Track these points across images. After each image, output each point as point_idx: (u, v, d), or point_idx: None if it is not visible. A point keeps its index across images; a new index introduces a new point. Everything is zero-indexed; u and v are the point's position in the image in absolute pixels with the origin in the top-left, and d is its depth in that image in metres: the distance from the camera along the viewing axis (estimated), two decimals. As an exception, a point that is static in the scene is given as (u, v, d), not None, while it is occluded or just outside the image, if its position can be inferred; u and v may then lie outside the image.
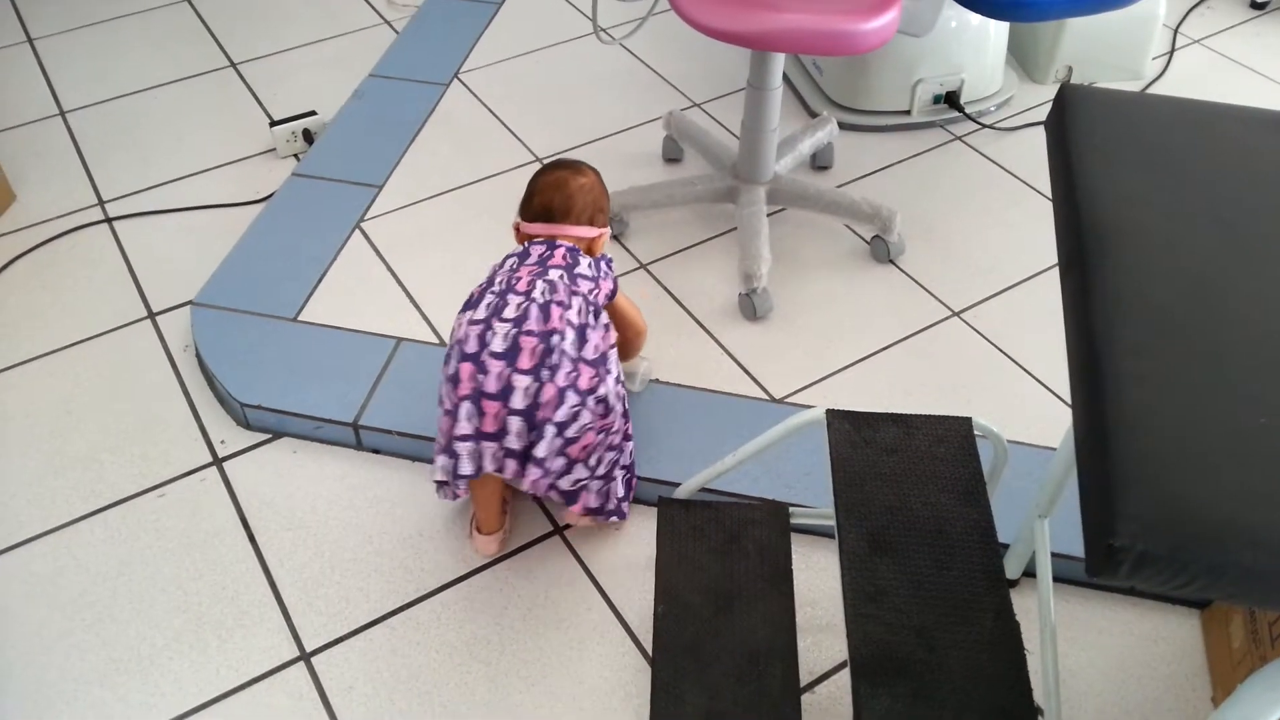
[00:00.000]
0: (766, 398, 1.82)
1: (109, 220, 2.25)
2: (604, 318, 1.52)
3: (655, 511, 1.56)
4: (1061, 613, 1.55)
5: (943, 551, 1.24)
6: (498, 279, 1.52)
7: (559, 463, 1.47)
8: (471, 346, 1.44)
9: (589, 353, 1.46)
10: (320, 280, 2.04)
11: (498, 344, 1.42)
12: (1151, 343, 0.82)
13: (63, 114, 2.55)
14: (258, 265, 2.07)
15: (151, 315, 2.04)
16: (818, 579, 1.60)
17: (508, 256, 1.57)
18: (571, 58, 2.66)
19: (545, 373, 1.41)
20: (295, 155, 2.41)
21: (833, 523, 1.30)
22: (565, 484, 1.50)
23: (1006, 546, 1.57)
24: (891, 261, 2.08)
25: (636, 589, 1.59)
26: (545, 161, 2.30)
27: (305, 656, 1.52)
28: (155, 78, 2.66)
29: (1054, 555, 1.50)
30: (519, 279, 1.49)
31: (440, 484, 1.52)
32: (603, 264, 1.58)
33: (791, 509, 1.54)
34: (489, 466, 1.46)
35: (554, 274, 1.50)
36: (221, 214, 2.26)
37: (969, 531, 1.25)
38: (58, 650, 1.53)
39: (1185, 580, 0.71)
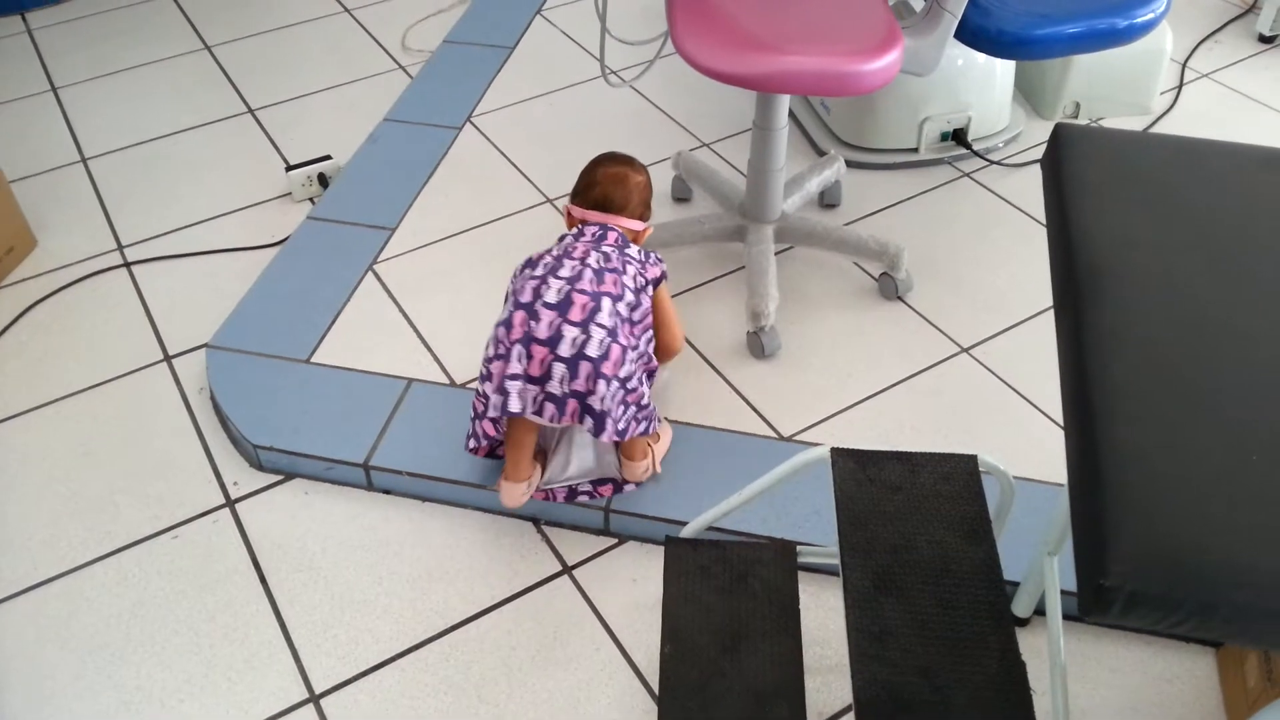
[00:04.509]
0: (775, 436, 1.83)
1: (127, 264, 2.29)
2: (650, 291, 1.66)
3: (662, 550, 1.56)
4: (1073, 651, 1.54)
5: (948, 590, 1.23)
6: (553, 248, 1.65)
7: (621, 410, 1.58)
8: (526, 297, 1.58)
9: (638, 315, 1.62)
10: (333, 322, 2.06)
11: (551, 296, 1.56)
12: (1143, 381, 0.83)
13: (84, 160, 2.60)
14: (272, 308, 2.10)
15: (168, 358, 2.06)
16: (827, 618, 1.60)
17: (563, 236, 1.70)
18: (582, 100, 2.70)
19: (596, 329, 1.54)
20: (310, 199, 2.45)
21: (840, 560, 1.30)
22: (622, 425, 1.60)
23: (1017, 585, 1.56)
24: (900, 298, 2.09)
25: (644, 629, 1.59)
26: (559, 198, 2.33)
27: (314, 698, 1.52)
28: (175, 124, 2.72)
29: (1064, 593, 1.49)
30: (575, 248, 1.63)
31: (474, 449, 1.68)
32: (653, 255, 1.69)
33: (799, 548, 1.53)
34: (529, 408, 1.58)
35: (606, 248, 1.64)
36: (238, 257, 2.29)
37: (974, 570, 1.25)
38: (70, 693, 1.54)
39: (1177, 620, 0.71)
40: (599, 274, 1.59)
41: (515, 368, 1.56)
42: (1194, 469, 0.76)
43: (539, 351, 1.54)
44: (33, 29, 3.13)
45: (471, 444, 1.67)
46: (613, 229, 1.68)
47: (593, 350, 1.53)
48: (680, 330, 1.76)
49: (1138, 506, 0.74)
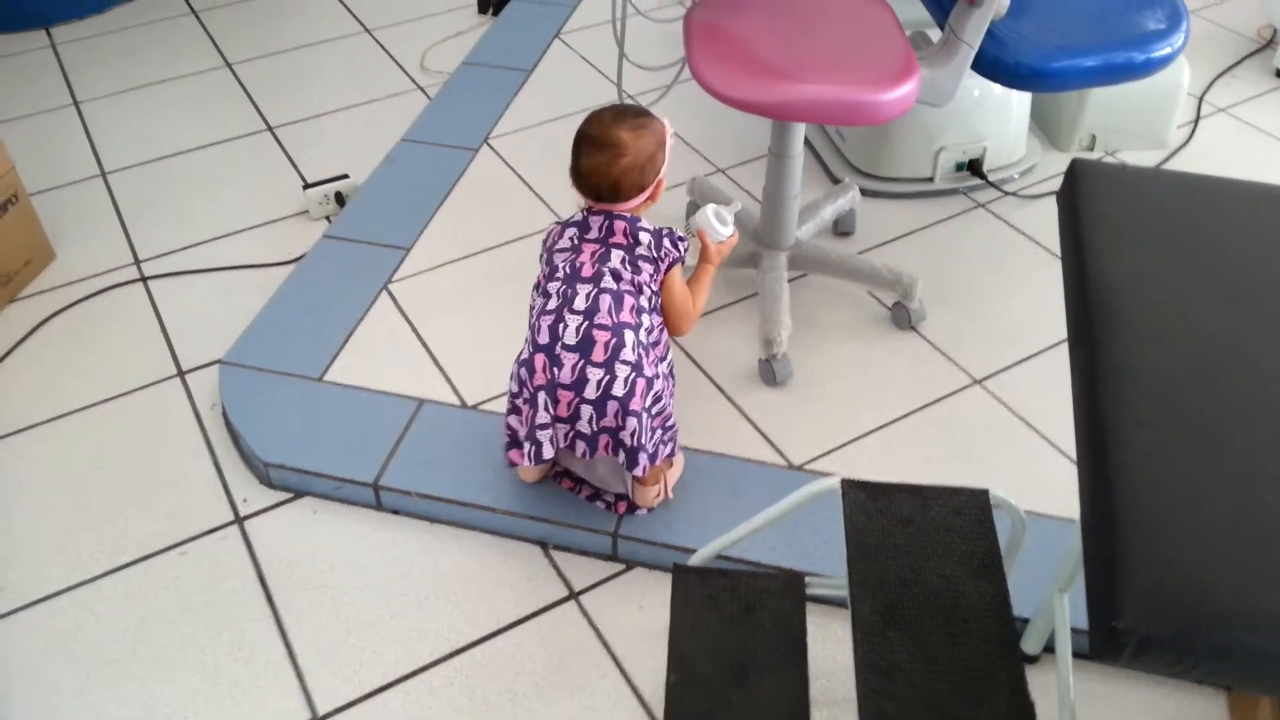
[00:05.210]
0: (785, 464, 1.82)
1: (144, 279, 2.30)
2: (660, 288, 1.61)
3: (670, 578, 1.55)
4: (1083, 691, 1.52)
5: (957, 626, 1.22)
6: (560, 264, 1.57)
7: (651, 437, 1.58)
8: (544, 338, 1.53)
9: (653, 336, 1.58)
10: (347, 341, 2.07)
11: (570, 336, 1.51)
12: (1158, 419, 0.82)
13: (104, 174, 2.62)
14: (286, 325, 2.10)
15: (181, 373, 2.07)
16: (835, 651, 1.59)
17: (566, 225, 1.60)
18: (599, 124, 2.70)
19: (620, 366, 1.50)
20: (327, 217, 2.46)
21: (849, 593, 1.29)
22: (652, 448, 1.60)
23: (1027, 621, 1.54)
24: (913, 328, 2.08)
25: (650, 657, 1.58)
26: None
27: None
28: (194, 140, 2.74)
29: (1075, 631, 1.48)
30: (582, 263, 1.56)
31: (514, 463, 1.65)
32: (665, 241, 1.58)
33: (808, 579, 1.52)
34: (561, 445, 1.59)
35: (616, 257, 1.56)
36: (253, 274, 2.31)
37: (984, 607, 1.24)
38: (75, 707, 1.54)
39: (1190, 664, 0.70)
40: (618, 299, 1.53)
41: (543, 416, 1.55)
42: (1208, 511, 0.75)
43: (565, 395, 1.53)
44: (57, 43, 3.16)
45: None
46: (618, 217, 1.57)
47: (618, 389, 1.51)
48: (687, 321, 1.65)
49: (1151, 549, 0.73)
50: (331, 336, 2.08)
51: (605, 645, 1.60)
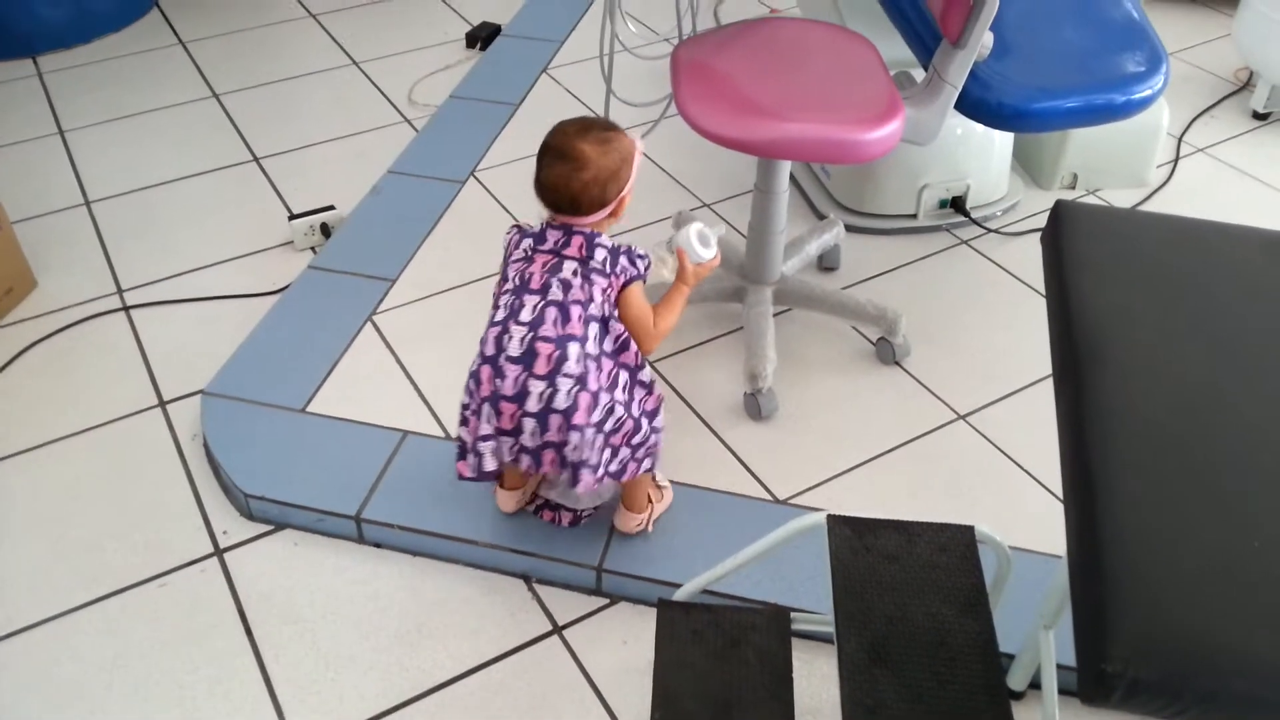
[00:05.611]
0: (770, 498, 1.82)
1: (126, 309, 2.29)
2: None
3: (654, 612, 1.54)
4: (1068, 728, 1.52)
5: (943, 664, 1.22)
6: (511, 275, 1.55)
7: (605, 455, 1.55)
8: (489, 349, 1.51)
9: (608, 345, 1.53)
10: (330, 372, 2.06)
11: (514, 348, 1.49)
12: (1144, 461, 0.83)
13: (88, 204, 2.61)
14: (269, 356, 2.09)
15: (162, 404, 2.06)
16: (820, 687, 1.58)
17: (525, 235, 1.57)
18: (585, 157, 2.72)
19: (563, 380, 1.47)
20: (312, 248, 2.46)
21: (835, 629, 1.29)
22: (614, 468, 1.57)
23: (1012, 657, 1.54)
24: (897, 363, 2.09)
25: (635, 693, 1.57)
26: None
27: (296, 756, 1.50)
28: (180, 170, 2.73)
29: (1060, 667, 1.48)
30: (532, 274, 1.53)
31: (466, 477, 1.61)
32: (623, 258, 1.54)
33: (793, 614, 1.52)
34: (506, 459, 1.56)
35: (567, 268, 1.52)
36: (237, 304, 2.30)
37: (970, 644, 1.23)
38: (47, 744, 1.51)
39: (1179, 708, 0.70)
40: (564, 310, 1.49)
41: (485, 428, 1.53)
42: (1195, 555, 0.75)
43: (507, 408, 1.50)
44: (43, 72, 3.16)
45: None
46: (577, 232, 1.54)
47: (560, 403, 1.48)
48: (648, 340, 1.60)
49: (1139, 592, 0.73)
50: (315, 367, 2.07)
51: (589, 680, 1.58)
